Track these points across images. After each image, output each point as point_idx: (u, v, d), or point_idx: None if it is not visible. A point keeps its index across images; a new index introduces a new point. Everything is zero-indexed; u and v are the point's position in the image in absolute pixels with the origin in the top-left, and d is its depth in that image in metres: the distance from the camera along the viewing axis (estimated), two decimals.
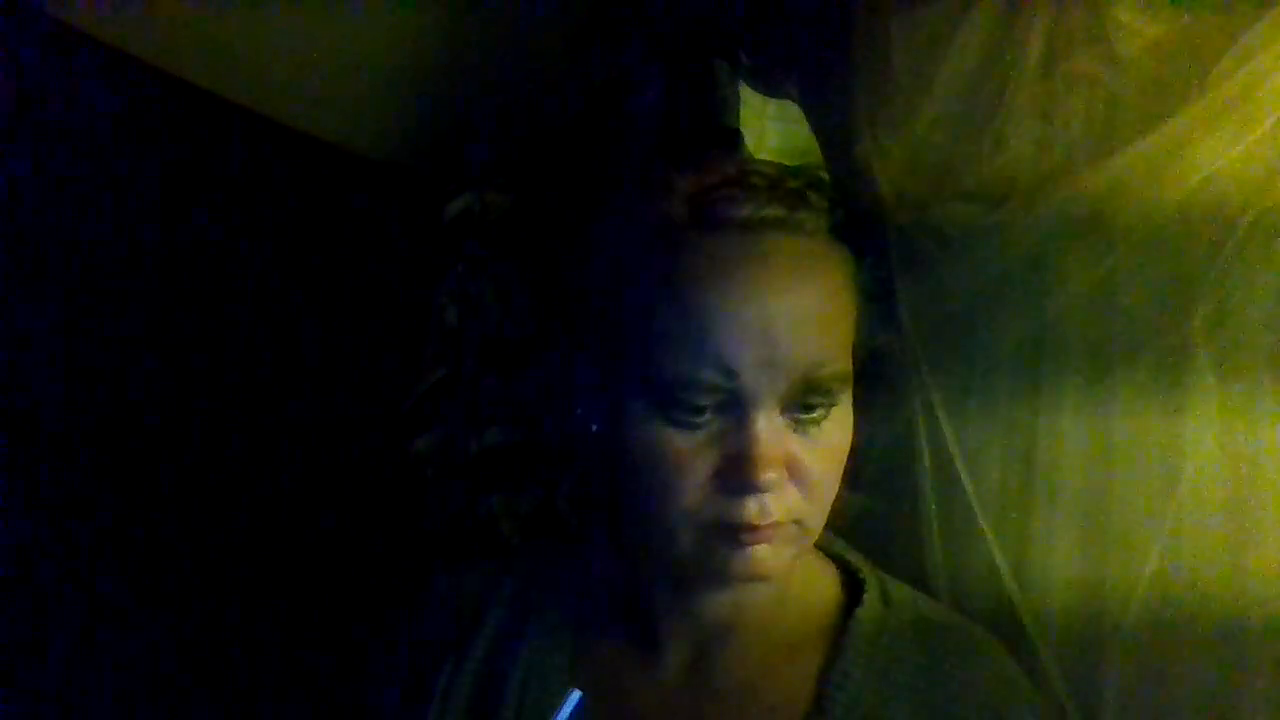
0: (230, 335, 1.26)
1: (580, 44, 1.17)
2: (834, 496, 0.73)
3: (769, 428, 0.67)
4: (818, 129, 1.14)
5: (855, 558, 0.83)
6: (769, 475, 0.67)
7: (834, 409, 0.70)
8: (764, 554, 0.70)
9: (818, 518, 0.72)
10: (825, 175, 1.12)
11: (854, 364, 0.73)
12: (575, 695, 0.71)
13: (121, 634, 1.18)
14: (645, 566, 0.78)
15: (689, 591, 0.77)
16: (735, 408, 0.67)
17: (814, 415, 0.69)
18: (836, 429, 0.71)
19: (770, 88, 1.14)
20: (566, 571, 0.84)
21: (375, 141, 1.32)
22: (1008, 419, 0.98)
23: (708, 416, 0.68)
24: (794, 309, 0.67)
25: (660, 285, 0.68)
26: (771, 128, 1.13)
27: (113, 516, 1.18)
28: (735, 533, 0.69)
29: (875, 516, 1.02)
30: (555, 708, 0.75)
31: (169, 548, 1.22)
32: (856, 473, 1.05)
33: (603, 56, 1.15)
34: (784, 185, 0.71)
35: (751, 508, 0.68)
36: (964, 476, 0.97)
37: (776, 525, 0.69)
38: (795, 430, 0.69)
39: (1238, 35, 0.87)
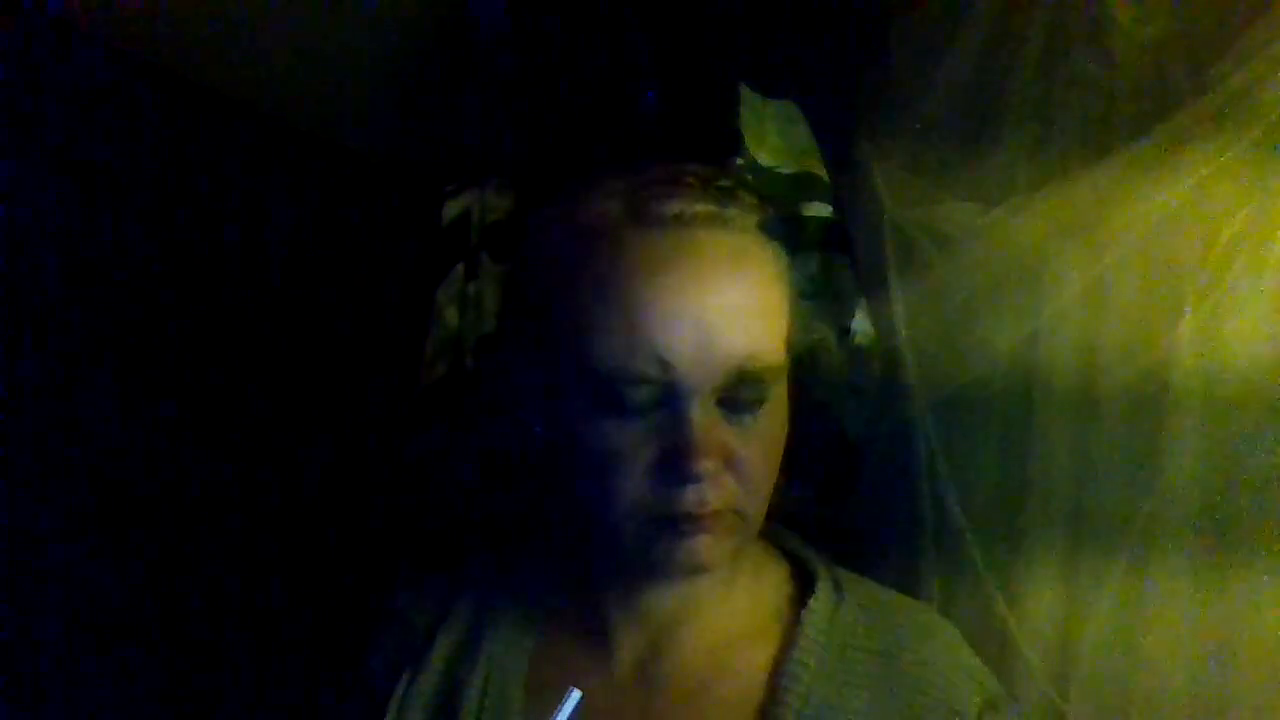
0: (229, 335, 1.26)
1: (581, 44, 1.17)
2: (772, 487, 0.74)
3: (704, 419, 0.68)
4: (817, 129, 1.14)
5: (806, 552, 0.84)
6: (705, 464, 0.68)
7: (768, 400, 0.71)
8: (705, 544, 0.71)
9: (757, 508, 0.73)
10: (824, 174, 1.13)
11: (789, 360, 0.75)
12: (575, 695, 0.72)
13: (117, 630, 1.18)
14: (597, 563, 0.79)
15: (639, 587, 0.78)
16: (671, 400, 0.68)
17: (749, 406, 0.70)
18: (771, 420, 0.72)
19: (770, 88, 1.14)
20: (527, 574, 0.85)
21: (375, 140, 1.32)
22: (1001, 420, 0.99)
23: (646, 409, 0.69)
24: (725, 301, 0.68)
25: (598, 281, 0.69)
26: (771, 128, 1.14)
27: (111, 517, 1.18)
28: (675, 523, 0.70)
29: (873, 518, 1.04)
30: (515, 708, 0.77)
31: (167, 548, 1.22)
32: (855, 474, 1.07)
33: (604, 57, 1.15)
34: (715, 184, 0.72)
35: (690, 497, 0.69)
36: (949, 478, 0.98)
37: (716, 515, 0.70)
38: (730, 422, 0.70)
39: (1234, 38, 0.87)
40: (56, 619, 1.15)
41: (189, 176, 1.23)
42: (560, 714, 0.70)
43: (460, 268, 1.13)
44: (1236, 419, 0.86)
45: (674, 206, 0.69)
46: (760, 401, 0.71)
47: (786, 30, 1.15)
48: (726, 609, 0.79)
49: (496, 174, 1.17)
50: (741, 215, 0.71)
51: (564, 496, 0.78)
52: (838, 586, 0.80)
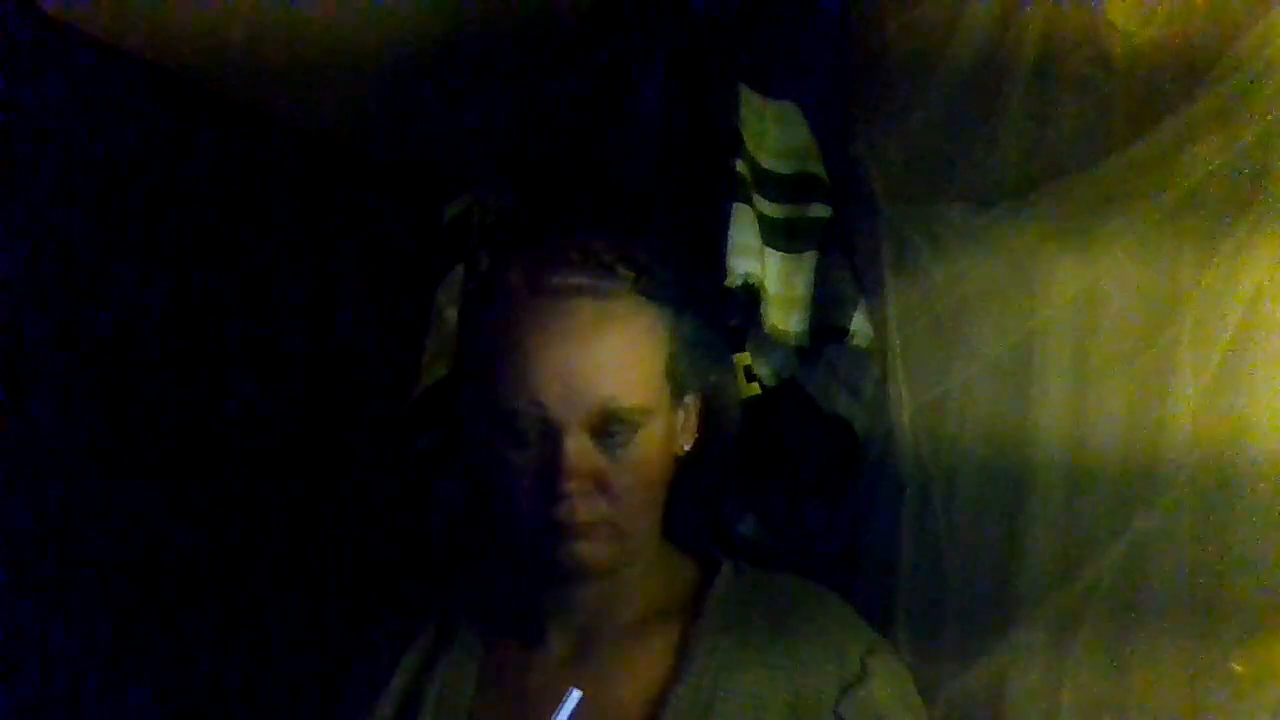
0: (229, 335, 1.26)
1: (581, 44, 1.17)
2: (652, 504, 0.88)
3: (575, 447, 0.83)
4: (817, 129, 1.14)
5: (713, 549, 0.95)
6: (572, 485, 0.83)
7: (639, 434, 0.85)
8: (586, 549, 0.84)
9: (633, 520, 0.87)
10: (824, 174, 1.13)
11: (688, 394, 0.89)
12: (575, 695, 0.73)
13: (115, 630, 1.19)
14: (527, 571, 0.92)
15: (566, 588, 0.89)
16: (550, 432, 0.83)
17: (617, 439, 0.84)
18: (641, 450, 0.85)
19: (770, 88, 1.14)
20: (479, 589, 0.97)
21: (375, 140, 1.32)
22: (992, 422, 0.99)
23: (533, 440, 0.84)
24: (589, 356, 0.84)
25: (500, 339, 0.86)
26: (771, 128, 1.14)
27: (110, 518, 1.18)
28: (555, 530, 0.84)
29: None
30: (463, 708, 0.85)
31: (168, 548, 1.22)
32: (856, 468, 1.08)
33: (603, 57, 1.15)
34: (595, 259, 0.86)
35: (562, 509, 0.83)
36: (938, 483, 0.99)
37: (588, 525, 0.84)
38: (602, 450, 0.84)
39: (1229, 41, 0.88)
40: (48, 615, 1.16)
41: (189, 176, 1.23)
42: (560, 714, 0.72)
43: (460, 268, 1.14)
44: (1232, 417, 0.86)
45: (554, 280, 0.85)
46: (630, 434, 0.84)
47: (786, 29, 1.15)
48: (644, 596, 0.91)
49: (497, 175, 1.18)
50: (615, 286, 0.85)
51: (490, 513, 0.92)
52: (739, 572, 0.93)
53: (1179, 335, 0.89)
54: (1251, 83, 0.86)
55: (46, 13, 1.11)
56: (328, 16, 1.21)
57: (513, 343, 0.84)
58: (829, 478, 1.09)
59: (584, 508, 0.83)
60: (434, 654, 0.92)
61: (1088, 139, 0.96)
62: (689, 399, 0.90)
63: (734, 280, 1.05)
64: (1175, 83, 0.91)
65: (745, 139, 1.11)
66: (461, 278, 1.13)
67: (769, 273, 1.09)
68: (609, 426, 0.84)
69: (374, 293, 1.31)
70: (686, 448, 0.90)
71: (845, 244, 1.11)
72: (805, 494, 1.09)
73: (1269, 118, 0.85)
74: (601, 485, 0.84)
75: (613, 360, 0.84)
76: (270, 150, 1.27)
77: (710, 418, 0.92)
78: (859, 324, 1.08)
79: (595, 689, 0.80)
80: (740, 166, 1.08)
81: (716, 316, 1.00)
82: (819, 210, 1.11)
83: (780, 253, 1.10)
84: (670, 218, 1.11)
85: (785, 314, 1.09)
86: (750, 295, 1.06)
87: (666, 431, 0.88)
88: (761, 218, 1.09)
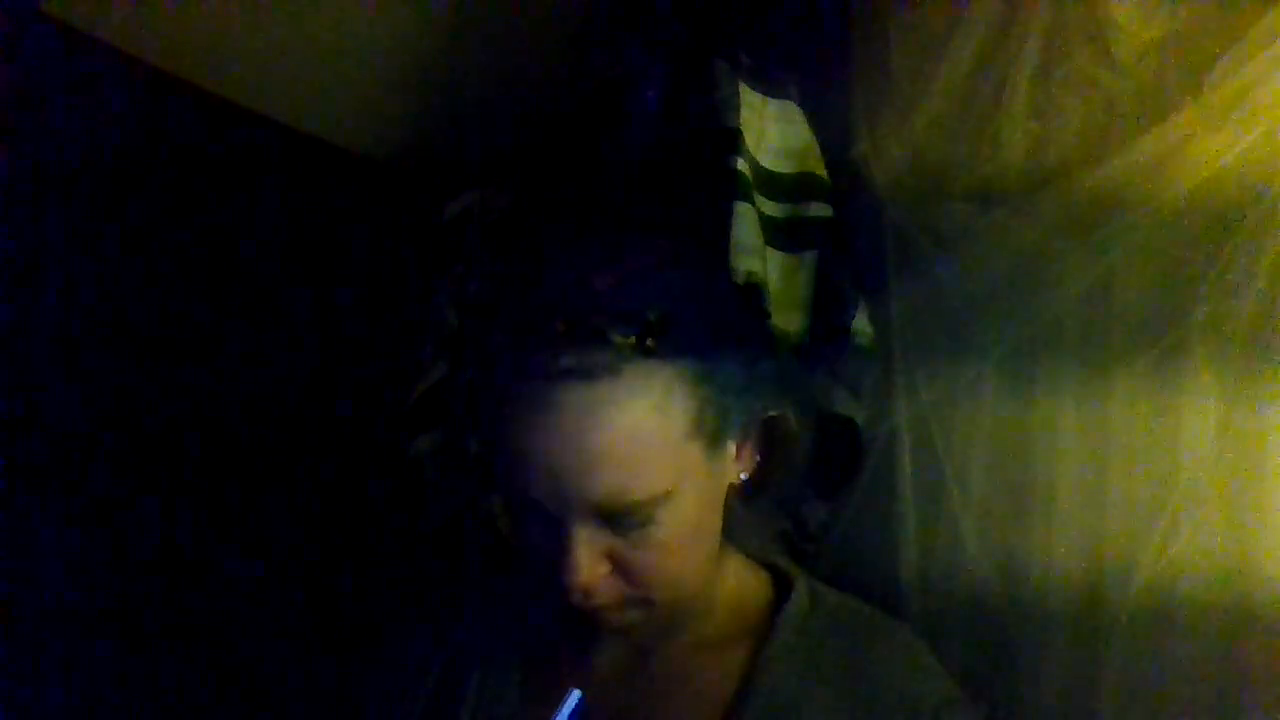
0: (230, 335, 1.26)
1: (580, 43, 1.18)
2: (690, 563, 0.78)
3: (583, 535, 0.74)
4: (817, 129, 1.14)
5: (786, 563, 0.89)
6: (580, 577, 0.74)
7: (661, 510, 0.74)
8: (614, 619, 0.77)
9: (667, 589, 0.78)
10: (825, 174, 1.13)
11: (730, 439, 0.78)
12: (575, 695, 0.73)
13: (115, 631, 1.18)
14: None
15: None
16: (553, 519, 0.74)
17: (633, 522, 0.74)
18: (666, 527, 0.75)
19: (770, 88, 1.14)
20: (519, 586, 0.91)
21: (375, 140, 1.33)
22: (1000, 420, 0.99)
23: (543, 519, 0.75)
24: (581, 452, 0.72)
25: (490, 423, 0.76)
26: (771, 128, 1.14)
27: (109, 518, 1.18)
28: (576, 606, 0.76)
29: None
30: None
31: (167, 548, 1.22)
32: (858, 466, 1.07)
33: (603, 56, 1.15)
34: (584, 328, 0.73)
35: (575, 597, 0.75)
36: (949, 479, 0.98)
37: (611, 604, 0.76)
38: (617, 533, 0.74)
39: (1234, 38, 0.87)
40: (51, 614, 1.15)
41: (189, 177, 1.23)
42: (560, 714, 0.71)
43: (460, 268, 1.14)
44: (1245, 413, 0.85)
45: (536, 361, 0.73)
46: (647, 518, 0.74)
47: (786, 29, 1.15)
48: (704, 616, 0.84)
49: (497, 175, 1.18)
50: (610, 359, 0.72)
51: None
52: (813, 595, 0.86)
53: (1191, 331, 0.89)
54: (1256, 79, 0.86)
55: (47, 13, 1.11)
56: (328, 17, 1.21)
57: (500, 427, 0.74)
58: (829, 478, 1.08)
59: (601, 591, 0.75)
60: (469, 651, 0.87)
61: (1092, 137, 0.96)
62: (735, 439, 0.78)
63: (737, 279, 1.04)
64: (1179, 80, 0.91)
65: (745, 138, 1.11)
66: (461, 277, 1.13)
67: (770, 272, 1.08)
68: (618, 517, 0.73)
69: (374, 293, 1.31)
70: (744, 476, 0.81)
71: (846, 244, 1.11)
72: (805, 494, 1.09)
73: (1273, 114, 0.85)
74: (620, 568, 0.75)
75: (611, 452, 0.72)
76: (270, 150, 1.27)
77: (772, 444, 0.81)
78: (859, 324, 1.07)
79: (652, 709, 0.79)
80: (740, 165, 1.08)
81: (761, 347, 0.83)
82: (820, 210, 1.11)
83: (781, 252, 1.10)
84: (671, 217, 1.11)
85: (786, 313, 1.09)
86: (754, 294, 1.06)
87: (703, 490, 0.76)
88: (762, 217, 1.08)
